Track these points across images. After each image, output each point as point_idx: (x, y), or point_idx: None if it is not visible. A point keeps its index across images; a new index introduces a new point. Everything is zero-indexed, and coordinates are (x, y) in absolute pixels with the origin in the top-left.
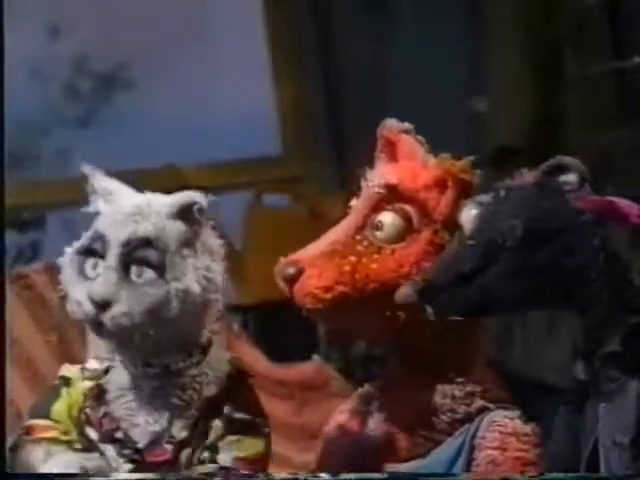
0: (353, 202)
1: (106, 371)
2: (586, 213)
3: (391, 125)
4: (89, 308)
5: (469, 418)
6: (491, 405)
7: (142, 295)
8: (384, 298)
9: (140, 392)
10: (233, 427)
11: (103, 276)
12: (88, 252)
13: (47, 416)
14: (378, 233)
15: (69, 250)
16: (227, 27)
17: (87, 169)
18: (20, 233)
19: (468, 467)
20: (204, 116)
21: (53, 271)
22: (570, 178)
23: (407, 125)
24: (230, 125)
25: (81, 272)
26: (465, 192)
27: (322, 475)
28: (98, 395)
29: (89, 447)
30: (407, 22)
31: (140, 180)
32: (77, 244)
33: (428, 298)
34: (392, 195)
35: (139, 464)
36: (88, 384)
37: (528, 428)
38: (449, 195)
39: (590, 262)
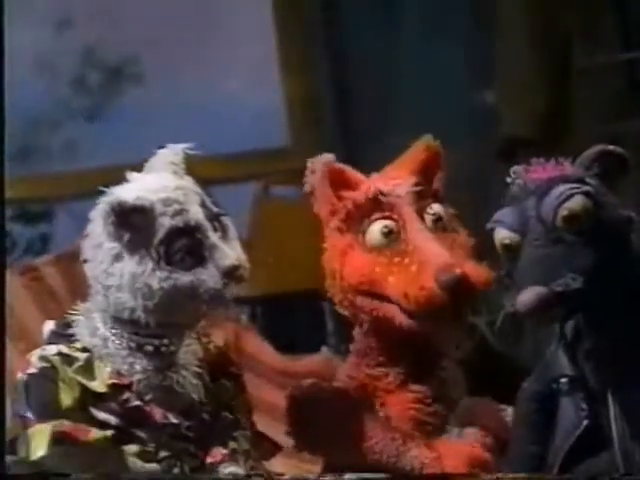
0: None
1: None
2: None
3: (324, 161)
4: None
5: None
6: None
7: None
8: None
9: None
10: None
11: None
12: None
13: (59, 410)
14: (440, 224)
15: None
16: (236, 20)
17: None
18: (29, 225)
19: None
20: (212, 108)
21: (62, 263)
22: None
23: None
24: (238, 117)
25: None
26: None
27: (327, 476)
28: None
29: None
30: (416, 15)
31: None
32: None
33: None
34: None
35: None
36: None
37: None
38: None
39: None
